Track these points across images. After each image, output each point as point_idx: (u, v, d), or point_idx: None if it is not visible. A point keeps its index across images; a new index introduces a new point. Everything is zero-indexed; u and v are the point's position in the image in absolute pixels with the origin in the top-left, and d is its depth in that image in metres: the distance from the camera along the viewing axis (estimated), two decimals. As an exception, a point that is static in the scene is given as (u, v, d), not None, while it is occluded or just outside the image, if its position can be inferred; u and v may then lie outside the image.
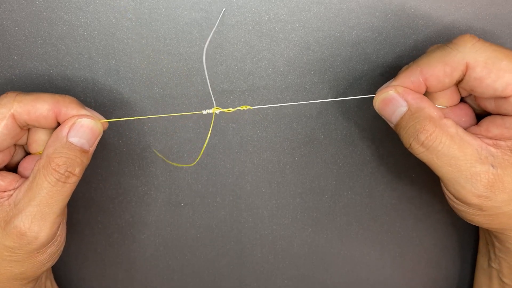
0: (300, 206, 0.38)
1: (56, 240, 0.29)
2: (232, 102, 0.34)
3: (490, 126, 0.28)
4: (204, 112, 0.31)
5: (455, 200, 0.29)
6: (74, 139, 0.27)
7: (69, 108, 0.28)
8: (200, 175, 0.37)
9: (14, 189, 0.28)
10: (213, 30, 0.31)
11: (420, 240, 0.40)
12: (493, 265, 0.34)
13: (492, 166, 0.27)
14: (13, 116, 0.27)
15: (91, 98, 0.33)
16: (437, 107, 0.29)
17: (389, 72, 0.34)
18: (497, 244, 0.33)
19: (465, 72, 0.26)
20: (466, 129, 0.29)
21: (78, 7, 0.31)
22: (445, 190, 0.29)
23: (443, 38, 0.33)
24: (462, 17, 0.33)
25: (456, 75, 0.26)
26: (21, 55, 0.32)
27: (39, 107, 0.27)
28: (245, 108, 0.32)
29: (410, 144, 0.28)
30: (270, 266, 0.40)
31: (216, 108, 0.31)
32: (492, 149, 0.27)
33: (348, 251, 0.40)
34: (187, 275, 0.40)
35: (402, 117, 0.28)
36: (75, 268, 0.39)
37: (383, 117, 0.30)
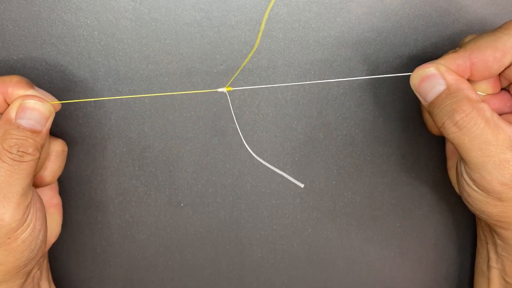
0: (300, 206, 0.38)
1: (29, 225, 0.28)
2: (232, 102, 0.34)
3: None
4: (219, 90, 0.30)
5: (475, 187, 0.28)
6: (23, 121, 0.27)
7: (15, 88, 0.28)
8: (200, 175, 0.37)
9: None
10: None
11: (420, 240, 0.40)
12: (494, 265, 0.34)
13: None
14: None
15: (91, 98, 0.33)
16: (477, 92, 0.28)
17: (389, 72, 0.34)
18: (499, 242, 0.32)
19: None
20: (501, 116, 0.28)
21: (78, 7, 0.31)
22: (466, 176, 0.29)
23: (443, 38, 0.33)
24: (462, 17, 0.33)
25: (507, 61, 0.26)
26: (21, 55, 0.32)
27: None
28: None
29: (443, 123, 0.27)
30: (270, 266, 0.40)
31: (227, 88, 0.30)
32: None
33: (348, 251, 0.40)
34: (187, 275, 0.40)
35: (438, 96, 0.27)
36: (75, 268, 0.39)
37: (417, 94, 0.29)
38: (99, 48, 0.32)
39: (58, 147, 0.32)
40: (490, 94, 0.29)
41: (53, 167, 0.32)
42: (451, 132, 0.27)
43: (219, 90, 0.30)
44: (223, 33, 0.32)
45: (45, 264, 0.34)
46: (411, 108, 0.36)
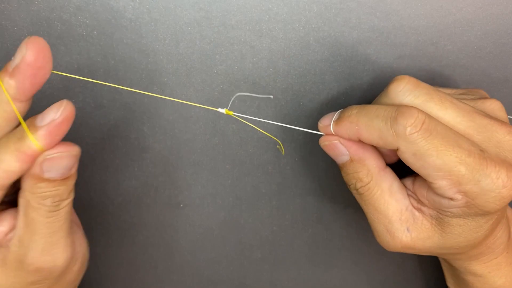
0: (300, 207, 0.38)
1: (78, 257, 0.29)
2: (232, 102, 0.34)
3: (417, 190, 0.29)
4: (220, 110, 0.30)
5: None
6: (51, 174, 0.25)
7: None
8: (200, 176, 0.36)
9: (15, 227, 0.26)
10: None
11: (421, 240, 0.40)
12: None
13: (408, 230, 0.29)
14: None
15: (91, 99, 0.33)
16: (379, 153, 0.29)
17: (390, 72, 0.34)
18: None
19: (396, 151, 0.26)
20: (404, 178, 0.30)
21: (77, 7, 0.31)
22: None
23: (444, 38, 0.33)
24: (462, 17, 0.33)
25: (385, 150, 0.28)
26: (20, 55, 0.32)
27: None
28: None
29: (349, 186, 0.30)
30: (270, 267, 0.40)
31: (227, 112, 0.31)
32: (416, 213, 0.29)
33: (348, 251, 0.40)
34: (187, 276, 0.40)
35: (343, 164, 0.29)
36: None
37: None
38: (99, 48, 0.32)
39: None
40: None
41: None
42: (354, 193, 0.30)
43: (220, 110, 0.30)
44: (223, 33, 0.32)
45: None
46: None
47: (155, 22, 0.32)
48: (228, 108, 0.34)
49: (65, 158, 0.25)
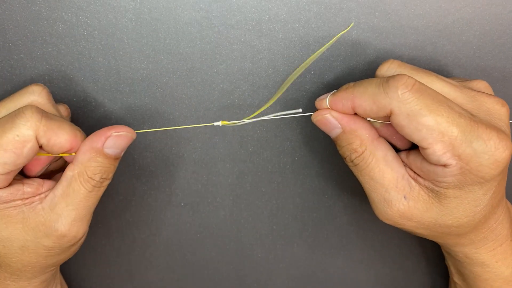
0: (300, 206, 0.38)
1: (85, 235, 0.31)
2: (232, 102, 0.34)
3: (412, 162, 0.29)
4: (216, 124, 0.31)
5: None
6: (109, 150, 0.28)
7: (82, 143, 0.29)
8: (200, 175, 0.37)
9: (41, 193, 0.29)
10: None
11: (420, 240, 0.40)
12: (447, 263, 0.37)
13: (405, 197, 0.28)
14: (36, 139, 0.27)
15: (91, 98, 0.33)
16: (371, 124, 0.30)
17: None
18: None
19: (389, 115, 0.27)
20: (399, 151, 0.30)
21: (79, 6, 0.31)
22: None
23: (443, 38, 0.33)
24: (462, 17, 0.33)
25: (381, 115, 0.27)
26: (22, 54, 0.32)
27: (60, 137, 0.28)
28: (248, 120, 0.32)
29: (345, 158, 0.30)
30: (270, 266, 0.40)
31: (223, 122, 0.31)
32: (412, 182, 0.29)
33: (348, 251, 0.40)
34: (187, 275, 0.40)
35: (337, 136, 0.30)
36: (75, 268, 0.39)
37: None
38: (100, 47, 0.32)
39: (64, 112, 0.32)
40: (384, 123, 0.30)
41: None
42: (350, 165, 0.30)
43: (215, 124, 0.31)
44: (223, 33, 0.32)
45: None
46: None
47: (156, 22, 0.32)
48: (228, 104, 0.34)
49: (126, 138, 0.29)
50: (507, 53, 0.34)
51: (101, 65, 0.33)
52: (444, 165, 0.26)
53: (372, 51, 0.34)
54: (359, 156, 0.29)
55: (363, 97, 0.27)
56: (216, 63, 0.33)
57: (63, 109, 0.32)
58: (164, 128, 0.35)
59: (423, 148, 0.26)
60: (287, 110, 0.35)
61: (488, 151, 0.25)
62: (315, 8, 0.32)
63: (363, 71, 0.34)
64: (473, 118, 0.26)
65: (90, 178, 0.28)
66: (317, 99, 0.30)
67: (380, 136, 0.30)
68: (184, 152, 0.36)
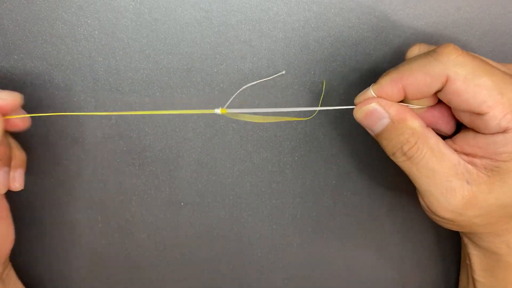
0: (300, 205, 0.38)
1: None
2: (232, 102, 0.34)
3: (463, 144, 0.28)
4: (216, 111, 0.30)
5: (429, 210, 0.29)
6: None
7: None
8: (200, 175, 0.37)
9: None
10: None
11: (420, 240, 0.40)
12: (467, 262, 0.35)
13: (468, 182, 0.27)
14: None
15: (91, 98, 0.33)
16: (417, 110, 0.29)
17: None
18: (466, 240, 0.34)
19: (445, 84, 0.26)
20: (444, 136, 0.29)
21: (79, 6, 0.31)
22: (421, 200, 0.30)
23: (443, 38, 0.33)
24: (462, 17, 0.33)
25: (436, 86, 0.26)
26: (22, 54, 0.32)
27: None
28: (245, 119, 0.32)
29: (394, 153, 0.28)
30: (270, 266, 0.40)
31: (222, 110, 0.30)
32: (469, 166, 0.27)
33: (348, 251, 0.40)
34: (187, 275, 0.40)
35: (384, 128, 0.28)
36: (75, 268, 0.39)
37: (362, 125, 0.30)
38: (100, 47, 0.32)
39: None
40: (430, 107, 0.29)
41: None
42: (401, 160, 0.28)
43: (216, 111, 0.30)
44: (223, 33, 0.32)
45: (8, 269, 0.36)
46: (411, 108, 0.36)
47: (156, 22, 0.32)
48: (228, 105, 0.34)
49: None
50: (507, 53, 0.34)
51: (101, 65, 0.33)
52: (504, 131, 0.25)
53: (372, 51, 0.34)
54: (413, 147, 0.27)
55: (413, 73, 0.26)
56: (216, 63, 0.33)
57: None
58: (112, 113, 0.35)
59: (482, 114, 0.26)
60: (287, 112, 0.35)
61: None
62: (315, 8, 0.32)
63: (363, 71, 0.34)
64: None
65: None
66: (357, 96, 0.29)
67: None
68: (184, 152, 0.36)
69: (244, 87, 0.32)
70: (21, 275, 0.37)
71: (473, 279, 0.35)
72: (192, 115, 0.35)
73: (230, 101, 0.31)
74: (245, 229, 0.39)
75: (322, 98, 0.34)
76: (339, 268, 0.41)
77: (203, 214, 0.38)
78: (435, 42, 0.33)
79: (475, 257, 0.34)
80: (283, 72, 0.30)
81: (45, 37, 0.32)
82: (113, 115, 0.34)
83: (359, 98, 0.29)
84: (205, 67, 0.33)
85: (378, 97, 0.28)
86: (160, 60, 0.33)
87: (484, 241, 0.32)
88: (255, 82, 0.30)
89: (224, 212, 0.38)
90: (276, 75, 0.30)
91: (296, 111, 0.35)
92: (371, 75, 0.34)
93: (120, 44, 0.32)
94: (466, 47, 0.34)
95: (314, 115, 0.32)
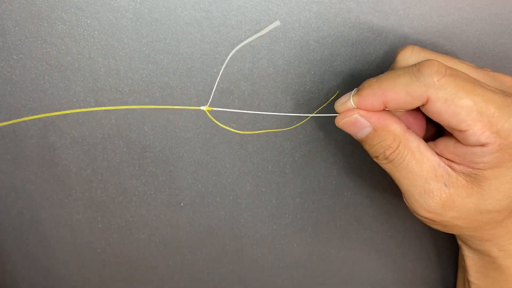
0: (300, 206, 0.38)
1: None
2: (232, 102, 0.34)
3: (444, 150, 0.28)
4: (202, 108, 0.30)
5: (411, 209, 0.30)
6: None
7: None
8: (200, 175, 0.37)
9: None
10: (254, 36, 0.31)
11: (420, 240, 0.40)
12: (463, 263, 0.36)
13: (445, 185, 0.28)
14: None
15: (91, 98, 0.33)
16: (399, 117, 0.29)
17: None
18: (460, 242, 0.35)
19: (425, 103, 0.26)
20: (426, 139, 0.30)
21: (78, 7, 0.31)
22: (404, 200, 0.31)
23: (442, 38, 0.33)
24: (462, 17, 0.33)
25: (416, 104, 0.27)
26: (21, 54, 0.32)
27: None
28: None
29: (377, 157, 0.29)
30: (270, 266, 0.40)
31: (208, 108, 0.31)
32: (449, 169, 0.28)
33: (348, 251, 0.40)
34: (187, 275, 0.40)
35: (367, 136, 0.29)
36: (75, 268, 0.39)
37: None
38: (99, 48, 0.32)
39: None
40: (409, 111, 0.30)
41: None
42: (383, 163, 0.29)
43: (201, 108, 0.30)
44: (223, 33, 0.32)
45: None
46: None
47: (156, 22, 0.32)
48: (228, 103, 0.34)
49: None
50: (507, 53, 0.34)
51: (101, 65, 0.33)
52: (483, 145, 0.26)
53: (372, 51, 0.34)
54: (394, 151, 0.28)
55: (395, 89, 0.27)
56: (216, 63, 0.33)
57: None
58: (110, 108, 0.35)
59: (461, 131, 0.26)
60: (286, 109, 0.35)
61: None
62: (315, 8, 0.32)
63: (363, 71, 0.34)
64: (505, 93, 0.26)
65: None
66: (337, 102, 0.30)
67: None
68: (184, 152, 0.36)
69: (237, 47, 0.32)
70: (21, 275, 0.37)
71: (468, 281, 0.36)
72: (192, 115, 0.35)
73: (218, 78, 0.31)
74: (245, 229, 0.39)
75: (327, 103, 0.34)
76: (339, 268, 0.41)
77: (203, 214, 0.38)
78: (435, 42, 0.33)
79: (469, 259, 0.35)
80: (278, 23, 0.30)
81: (45, 37, 0.32)
82: (113, 115, 0.34)
83: (339, 107, 0.30)
84: (205, 67, 0.33)
85: (358, 108, 0.29)
86: (160, 60, 0.33)
87: (475, 244, 0.33)
88: (250, 39, 0.30)
89: (224, 212, 0.38)
90: (271, 26, 0.30)
91: (290, 112, 0.35)
92: (371, 75, 0.34)
93: (120, 44, 0.32)
94: (466, 47, 0.34)
95: (301, 123, 0.32)
